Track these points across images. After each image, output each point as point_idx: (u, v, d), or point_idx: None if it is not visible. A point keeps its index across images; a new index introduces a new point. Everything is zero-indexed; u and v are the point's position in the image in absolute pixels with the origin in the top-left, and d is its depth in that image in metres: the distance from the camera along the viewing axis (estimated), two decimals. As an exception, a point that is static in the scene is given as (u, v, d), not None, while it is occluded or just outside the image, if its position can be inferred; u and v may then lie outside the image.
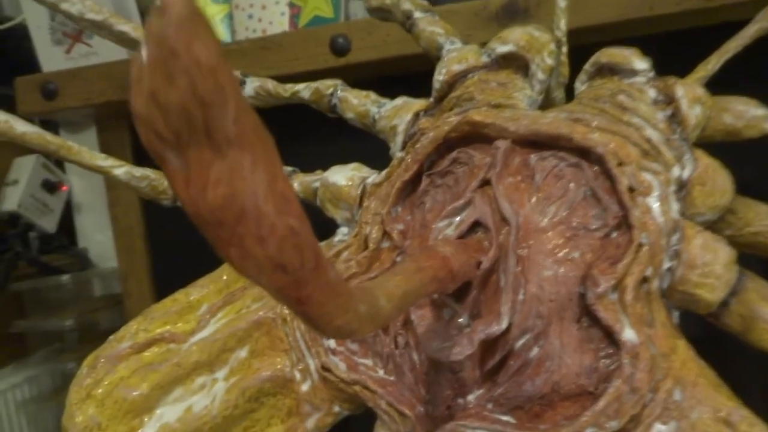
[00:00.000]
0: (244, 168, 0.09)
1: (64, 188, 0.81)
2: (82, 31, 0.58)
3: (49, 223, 0.77)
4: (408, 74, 0.41)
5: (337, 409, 0.25)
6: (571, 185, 0.22)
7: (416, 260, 0.18)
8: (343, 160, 0.30)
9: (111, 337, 0.26)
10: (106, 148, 0.64)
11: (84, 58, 0.59)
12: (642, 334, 0.20)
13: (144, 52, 0.08)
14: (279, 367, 0.25)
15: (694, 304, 0.22)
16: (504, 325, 0.21)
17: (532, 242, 0.22)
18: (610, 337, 0.21)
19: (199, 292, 0.27)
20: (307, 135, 0.54)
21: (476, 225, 0.23)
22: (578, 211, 0.22)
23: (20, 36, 0.62)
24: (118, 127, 0.63)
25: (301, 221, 0.10)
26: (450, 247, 0.19)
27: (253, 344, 0.25)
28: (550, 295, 0.21)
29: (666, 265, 0.21)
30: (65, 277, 0.67)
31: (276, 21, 0.58)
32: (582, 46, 0.33)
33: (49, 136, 0.29)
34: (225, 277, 0.27)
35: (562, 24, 0.29)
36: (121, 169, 0.30)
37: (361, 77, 0.56)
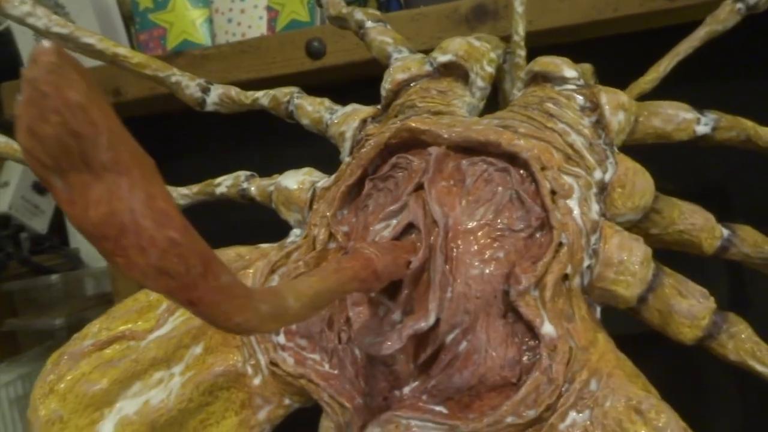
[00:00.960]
0: (121, 189, 0.10)
1: (55, 190, 0.82)
2: (66, 37, 0.60)
3: (40, 224, 0.78)
4: (380, 76, 0.43)
5: (287, 401, 0.26)
6: (499, 189, 0.23)
7: (338, 261, 0.19)
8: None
9: (75, 336, 0.28)
10: (91, 151, 0.65)
11: (68, 63, 0.61)
12: (561, 329, 0.22)
13: (21, 94, 0.09)
14: (231, 362, 0.26)
15: (613, 300, 0.23)
16: (431, 321, 0.22)
17: (460, 243, 0.23)
18: (533, 332, 0.22)
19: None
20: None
21: (410, 227, 0.24)
22: (504, 213, 0.23)
23: (5, 41, 0.64)
24: (102, 130, 0.64)
25: (183, 233, 0.11)
26: (375, 248, 0.21)
27: (207, 341, 0.27)
28: (476, 292, 0.22)
29: (586, 263, 0.23)
30: (55, 277, 0.69)
31: (254, 25, 0.59)
32: (550, 46, 0.34)
33: (16, 145, 0.31)
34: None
35: (520, 29, 0.30)
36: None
37: (336, 79, 0.57)
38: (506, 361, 0.22)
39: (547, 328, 0.22)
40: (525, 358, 0.22)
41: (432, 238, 0.23)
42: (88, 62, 0.63)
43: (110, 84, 0.61)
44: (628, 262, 0.22)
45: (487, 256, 0.23)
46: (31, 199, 0.77)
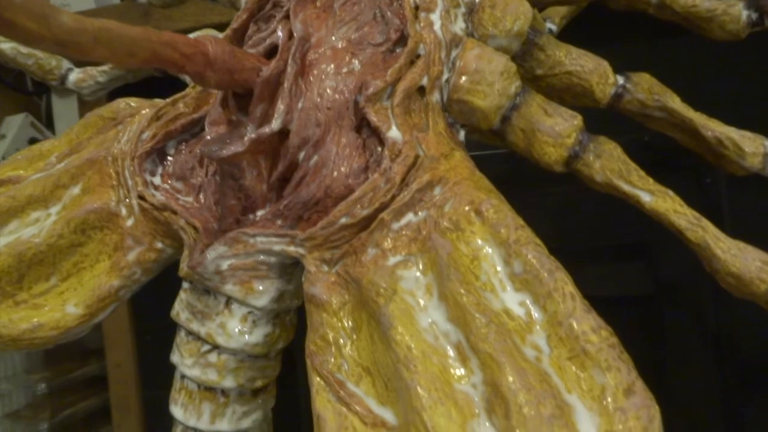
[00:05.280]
0: None
1: (51, 148, 0.84)
2: (57, -15, 0.63)
3: (33, 179, 0.80)
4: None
5: (159, 245, 0.26)
6: (365, 8, 0.23)
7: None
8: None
9: (-36, 179, 0.28)
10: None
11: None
12: (409, 135, 0.20)
13: None
14: (104, 200, 0.26)
15: (472, 115, 0.22)
16: (276, 126, 0.21)
17: (317, 56, 0.22)
18: (383, 142, 0.21)
19: (51, 143, 0.29)
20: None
21: (276, 51, 0.23)
22: (365, 28, 0.22)
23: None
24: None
25: None
26: (216, 39, 0.20)
27: (85, 182, 0.27)
28: (328, 103, 0.21)
29: (445, 76, 0.21)
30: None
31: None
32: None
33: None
34: (75, 129, 0.29)
35: None
36: (7, 44, 0.32)
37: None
38: (352, 171, 0.21)
39: (394, 133, 0.20)
40: (371, 167, 0.21)
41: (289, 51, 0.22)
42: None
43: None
44: (486, 71, 0.21)
45: (343, 69, 0.22)
46: (26, 154, 0.79)
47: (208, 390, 0.23)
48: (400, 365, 0.16)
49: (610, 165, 0.21)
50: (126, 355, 0.74)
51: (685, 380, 0.54)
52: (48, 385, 0.68)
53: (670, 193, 0.21)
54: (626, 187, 0.21)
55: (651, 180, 0.21)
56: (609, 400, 0.15)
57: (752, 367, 0.53)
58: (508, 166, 0.51)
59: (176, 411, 0.24)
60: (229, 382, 0.23)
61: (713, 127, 0.24)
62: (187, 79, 0.31)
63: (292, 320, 0.24)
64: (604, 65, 0.24)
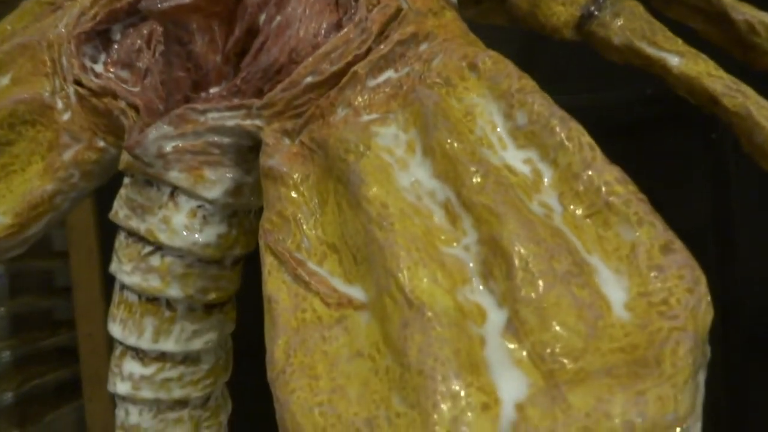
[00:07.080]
0: None
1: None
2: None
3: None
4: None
5: (100, 143, 0.22)
6: None
7: None
8: None
9: None
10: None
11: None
12: (390, -14, 0.17)
13: None
14: (37, 89, 0.22)
15: (466, -32, 0.18)
16: (228, -25, 0.18)
17: None
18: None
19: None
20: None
21: None
22: None
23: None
24: None
25: None
26: None
27: (16, 70, 0.23)
28: (293, -49, 0.18)
29: None
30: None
31: None
32: None
33: None
34: (10, 19, 0.25)
35: None
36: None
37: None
38: (322, 29, 0.17)
39: (371, -19, 0.17)
40: (344, 23, 0.17)
41: None
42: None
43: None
44: None
45: None
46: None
47: (151, 302, 0.19)
48: (372, 225, 0.13)
49: (632, 24, 0.18)
50: (98, 324, 0.70)
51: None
52: (13, 353, 0.64)
53: (703, 55, 0.18)
54: (650, 50, 0.17)
55: (680, 41, 0.18)
56: (641, 257, 0.11)
57: (756, 330, 0.50)
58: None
59: (114, 329, 0.20)
60: (174, 291, 0.19)
61: (744, 11, 0.21)
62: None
63: (253, 224, 0.20)
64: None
